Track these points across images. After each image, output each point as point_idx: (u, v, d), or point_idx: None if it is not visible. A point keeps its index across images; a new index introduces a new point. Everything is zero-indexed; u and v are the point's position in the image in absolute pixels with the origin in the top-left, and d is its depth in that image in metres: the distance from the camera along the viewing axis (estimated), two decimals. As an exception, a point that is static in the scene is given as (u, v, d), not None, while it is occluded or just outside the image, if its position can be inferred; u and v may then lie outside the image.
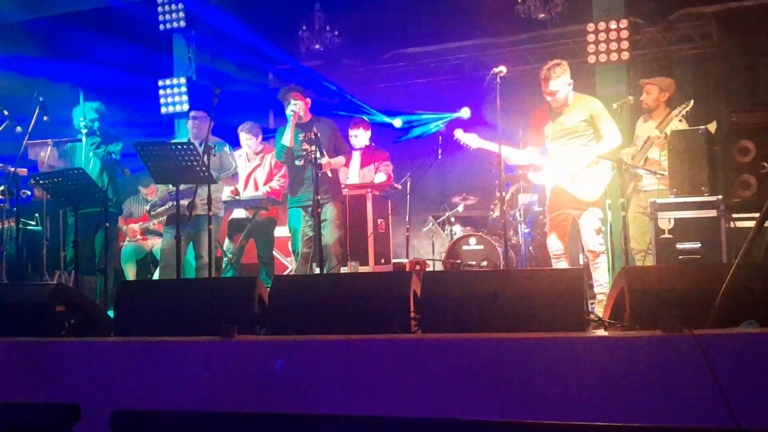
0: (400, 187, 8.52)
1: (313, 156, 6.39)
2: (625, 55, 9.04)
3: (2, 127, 7.30)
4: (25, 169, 7.36)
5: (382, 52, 11.58)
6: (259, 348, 3.79)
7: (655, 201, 6.05)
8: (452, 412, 3.37)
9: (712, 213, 5.79)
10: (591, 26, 9.17)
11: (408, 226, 9.11)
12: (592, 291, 6.09)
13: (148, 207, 7.87)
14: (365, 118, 9.01)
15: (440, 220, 9.86)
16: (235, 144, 7.82)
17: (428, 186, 10.02)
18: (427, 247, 10.33)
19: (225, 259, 7.39)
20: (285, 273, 8.45)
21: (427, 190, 10.23)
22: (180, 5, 10.68)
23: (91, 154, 7.17)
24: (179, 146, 5.86)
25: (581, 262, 7.89)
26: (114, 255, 7.57)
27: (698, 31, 9.93)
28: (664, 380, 3.16)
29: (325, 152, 6.66)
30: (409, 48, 11.54)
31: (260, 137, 7.81)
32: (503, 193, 6.34)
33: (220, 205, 7.22)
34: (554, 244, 6.28)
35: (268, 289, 4.25)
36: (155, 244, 9.00)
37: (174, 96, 10.85)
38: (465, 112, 11.11)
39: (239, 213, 7.49)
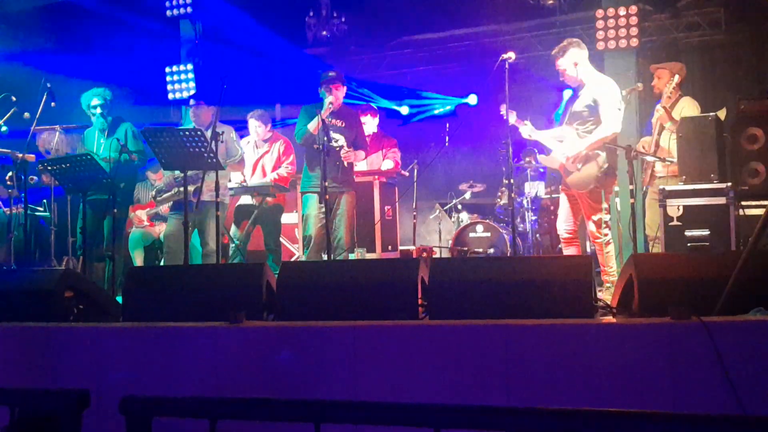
0: (407, 174, 8.51)
1: (336, 144, 6.45)
2: (634, 42, 8.98)
3: (10, 113, 7.31)
4: (33, 155, 7.37)
5: (389, 39, 11.55)
6: (267, 334, 3.80)
7: (664, 188, 6.03)
8: (459, 398, 3.37)
9: (721, 200, 5.77)
10: (600, 12, 9.11)
11: (415, 213, 9.10)
12: (599, 278, 6.08)
13: (153, 193, 7.87)
14: (373, 105, 9.00)
15: (447, 207, 9.85)
16: (241, 127, 7.82)
17: (435, 173, 10.02)
18: (433, 234, 10.33)
19: (232, 245, 7.39)
20: (292, 260, 8.46)
21: (434, 177, 10.22)
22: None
23: (102, 141, 7.17)
24: (187, 132, 5.86)
25: (588, 250, 7.88)
26: (123, 241, 7.58)
27: (706, 18, 9.87)
28: (673, 367, 3.16)
29: (344, 142, 6.73)
30: (416, 35, 11.51)
31: (269, 125, 7.81)
32: (511, 180, 6.32)
33: (226, 192, 7.22)
34: (562, 226, 6.32)
35: (276, 276, 4.26)
36: (162, 230, 9.01)
37: (181, 82, 10.86)
38: (472, 99, 11.10)
39: (246, 200, 7.50)
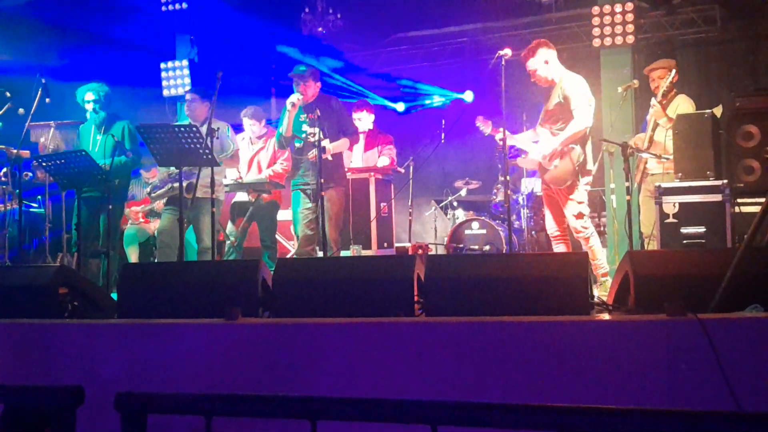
0: (403, 170, 8.50)
1: (312, 139, 6.36)
2: (630, 39, 8.99)
3: (4, 108, 7.29)
4: (27, 151, 7.35)
5: (384, 36, 11.54)
6: (263, 331, 3.79)
7: (660, 185, 6.03)
8: (456, 395, 3.36)
9: (717, 197, 5.77)
10: (596, 9, 9.12)
11: (410, 210, 9.10)
12: (593, 274, 6.09)
13: (148, 189, 7.86)
14: (368, 101, 8.99)
15: (443, 204, 9.84)
16: (237, 127, 7.79)
17: (431, 170, 10.00)
18: (429, 231, 10.33)
19: (227, 242, 7.38)
20: (287, 256, 8.45)
21: (430, 174, 10.21)
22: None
23: (98, 137, 7.14)
24: (182, 129, 5.84)
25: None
26: (117, 238, 7.56)
27: (701, 15, 9.88)
28: (669, 364, 3.16)
29: (320, 135, 6.52)
30: (411, 31, 11.50)
31: (263, 121, 7.78)
32: (507, 177, 6.33)
33: (222, 188, 7.20)
34: (550, 226, 6.38)
35: (271, 273, 4.25)
36: (157, 226, 8.99)
37: (176, 78, 10.83)
38: (468, 96, 11.09)
39: (242, 196, 7.48)
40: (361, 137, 8.04)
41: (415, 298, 3.90)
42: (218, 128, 6.37)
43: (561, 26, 10.44)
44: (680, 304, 3.22)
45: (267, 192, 7.34)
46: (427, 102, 11.45)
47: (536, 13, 10.58)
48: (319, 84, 6.90)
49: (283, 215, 8.27)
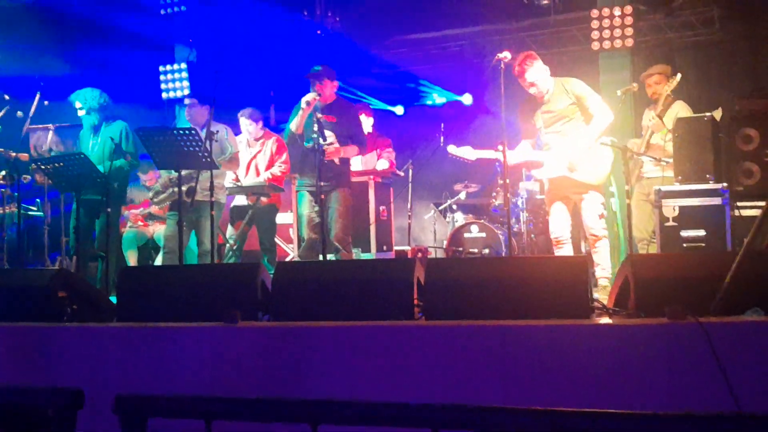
0: (402, 174, 8.50)
1: (328, 143, 6.34)
2: (629, 42, 8.98)
3: (3, 111, 7.28)
4: (26, 154, 7.34)
5: (383, 38, 11.53)
6: (262, 334, 3.79)
7: (660, 188, 6.03)
8: (455, 398, 3.36)
9: (717, 201, 5.78)
10: (595, 12, 9.11)
11: (410, 213, 9.10)
12: (594, 277, 6.06)
13: (151, 194, 7.84)
14: (368, 104, 8.99)
15: (442, 207, 9.84)
16: (236, 129, 7.78)
17: (430, 173, 9.98)
18: (428, 234, 10.32)
19: (227, 245, 7.37)
20: (287, 260, 8.44)
21: (429, 177, 10.19)
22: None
23: (92, 141, 7.13)
24: (181, 132, 5.84)
25: (583, 250, 7.88)
26: (116, 241, 7.55)
27: (700, 17, 9.88)
28: (669, 368, 3.16)
29: (335, 139, 6.53)
30: (411, 34, 11.49)
31: (261, 123, 7.73)
32: (506, 181, 6.31)
33: (224, 191, 7.19)
34: (557, 230, 6.24)
35: (271, 276, 4.24)
36: (156, 230, 8.98)
37: (175, 81, 10.83)
38: (467, 99, 11.09)
39: (241, 200, 7.47)
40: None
41: (415, 302, 3.89)
42: (217, 131, 6.35)
43: (560, 29, 10.45)
44: (681, 308, 3.22)
45: (266, 195, 7.32)
46: (429, 102, 11.44)
47: (535, 16, 10.57)
48: (336, 83, 6.79)
49: (283, 218, 8.26)
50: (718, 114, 6.26)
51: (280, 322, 3.98)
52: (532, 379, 3.32)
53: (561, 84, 6.20)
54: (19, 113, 7.13)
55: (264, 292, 4.16)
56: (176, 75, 10.82)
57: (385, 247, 7.67)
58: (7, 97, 7.21)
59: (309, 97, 6.47)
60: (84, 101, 7.11)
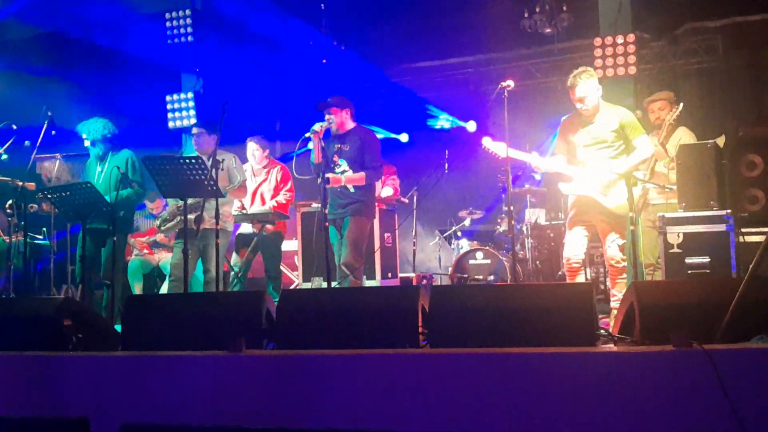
0: (407, 201, 8.52)
1: (338, 170, 6.38)
2: (632, 69, 9.03)
3: (10, 141, 7.33)
4: (33, 184, 7.39)
5: (389, 66, 11.61)
6: (266, 362, 3.78)
7: (664, 215, 6.02)
8: (461, 427, 3.35)
9: (721, 227, 5.77)
10: (598, 41, 9.17)
11: (414, 240, 9.11)
12: (607, 305, 6.01)
13: (158, 222, 7.86)
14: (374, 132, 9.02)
15: (447, 234, 9.85)
16: (243, 158, 7.81)
17: (435, 200, 10.01)
18: (433, 261, 10.33)
19: (232, 273, 7.38)
20: (291, 287, 8.44)
21: (434, 204, 10.22)
22: (188, 20, 10.73)
23: (99, 169, 7.17)
24: (187, 160, 5.87)
25: (588, 276, 7.87)
26: (121, 269, 7.56)
27: (704, 45, 9.95)
28: (675, 395, 3.14)
29: (347, 167, 6.57)
30: (416, 62, 11.58)
31: (267, 150, 7.75)
32: (511, 207, 6.30)
33: (230, 219, 7.21)
34: (572, 254, 6.11)
35: (276, 303, 4.25)
36: (162, 258, 9.00)
37: (182, 111, 10.90)
38: (471, 126, 11.15)
39: (246, 227, 7.48)
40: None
41: (420, 329, 3.89)
42: (223, 159, 6.37)
43: (563, 57, 10.53)
44: (686, 335, 3.21)
45: (271, 222, 7.34)
46: (438, 126, 11.47)
47: (539, 44, 10.66)
48: (347, 111, 6.78)
49: (288, 246, 8.27)
50: (721, 141, 6.27)
51: (285, 350, 3.98)
52: (537, 408, 3.30)
53: (611, 109, 6.13)
54: (27, 143, 7.18)
55: (269, 320, 4.16)
56: (183, 104, 10.90)
57: (390, 274, 7.67)
58: (14, 126, 7.25)
59: (316, 126, 6.50)
60: (89, 132, 7.16)
